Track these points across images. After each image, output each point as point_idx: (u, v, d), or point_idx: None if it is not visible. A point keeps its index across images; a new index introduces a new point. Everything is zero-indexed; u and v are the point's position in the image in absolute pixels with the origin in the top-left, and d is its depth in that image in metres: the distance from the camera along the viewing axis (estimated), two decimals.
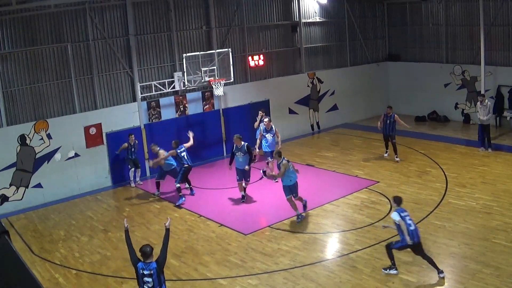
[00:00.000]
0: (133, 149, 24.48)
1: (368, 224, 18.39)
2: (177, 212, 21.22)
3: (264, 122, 24.21)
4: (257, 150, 24.10)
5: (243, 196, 21.78)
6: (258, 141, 24.23)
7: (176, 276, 15.61)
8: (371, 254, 16.25)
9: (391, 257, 15.05)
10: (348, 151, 27.92)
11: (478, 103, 26.45)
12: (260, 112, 25.57)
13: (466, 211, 18.84)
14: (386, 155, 26.28)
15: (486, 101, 26.16)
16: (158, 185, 23.23)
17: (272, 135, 24.13)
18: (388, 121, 25.40)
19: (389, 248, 15.02)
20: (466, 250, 16.02)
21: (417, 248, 14.58)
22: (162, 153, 22.54)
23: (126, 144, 24.25)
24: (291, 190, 19.13)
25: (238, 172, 21.74)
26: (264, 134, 24.13)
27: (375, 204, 20.35)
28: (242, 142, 21.51)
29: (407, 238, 14.32)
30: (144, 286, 11.49)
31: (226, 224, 19.39)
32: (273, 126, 24.36)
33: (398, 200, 14.93)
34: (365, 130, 31.88)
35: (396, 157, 25.52)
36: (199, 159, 27.25)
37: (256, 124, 25.48)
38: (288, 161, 19.13)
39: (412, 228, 14.37)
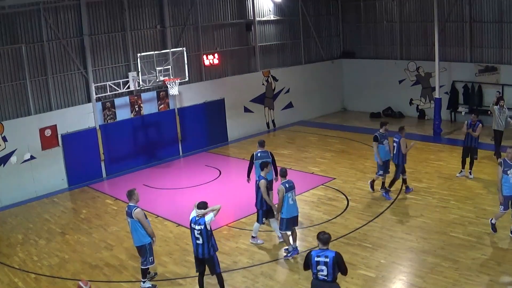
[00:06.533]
0: None
1: (326, 221, 18.55)
2: None
3: None
4: (500, 195, 16.03)
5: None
6: None
7: (135, 277, 15.52)
8: None
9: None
10: (304, 149, 28.09)
11: (497, 106, 23.34)
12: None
13: (423, 205, 19.13)
14: (459, 174, 22.01)
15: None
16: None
17: None
18: (472, 130, 21.10)
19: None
20: (424, 244, 16.26)
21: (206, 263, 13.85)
22: None
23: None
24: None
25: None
26: None
27: (331, 201, 20.55)
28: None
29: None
30: None
31: (184, 224, 19.30)
32: None
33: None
34: (320, 127, 32.11)
35: (470, 174, 21.81)
36: (155, 159, 27.28)
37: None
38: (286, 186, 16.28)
39: (199, 242, 13.43)
